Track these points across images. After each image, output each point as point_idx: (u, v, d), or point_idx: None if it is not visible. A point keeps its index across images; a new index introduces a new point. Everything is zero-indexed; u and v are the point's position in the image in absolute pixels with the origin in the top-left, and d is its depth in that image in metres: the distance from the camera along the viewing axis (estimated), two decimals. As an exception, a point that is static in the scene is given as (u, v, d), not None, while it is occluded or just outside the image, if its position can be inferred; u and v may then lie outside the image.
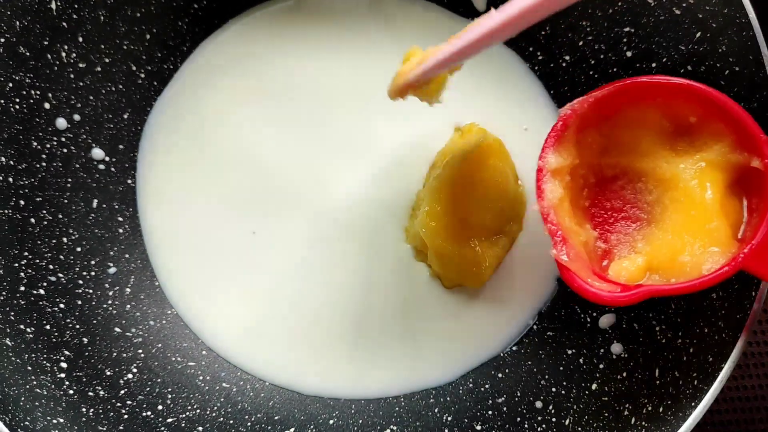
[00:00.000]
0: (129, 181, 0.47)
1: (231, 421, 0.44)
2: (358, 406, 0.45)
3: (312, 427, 0.44)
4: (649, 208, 0.35)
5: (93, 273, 0.45)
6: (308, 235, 0.47)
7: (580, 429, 0.41)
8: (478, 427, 0.44)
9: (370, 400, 0.45)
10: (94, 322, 0.44)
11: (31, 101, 0.43)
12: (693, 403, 0.37)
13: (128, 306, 0.45)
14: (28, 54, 0.42)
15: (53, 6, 0.43)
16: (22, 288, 0.41)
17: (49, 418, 0.38)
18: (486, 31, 0.30)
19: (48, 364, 0.40)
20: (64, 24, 0.44)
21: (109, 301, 0.45)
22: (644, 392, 0.40)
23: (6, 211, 0.42)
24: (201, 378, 0.45)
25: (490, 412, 0.44)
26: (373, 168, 0.48)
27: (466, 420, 0.44)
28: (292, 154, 0.48)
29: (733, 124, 0.32)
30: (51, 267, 0.43)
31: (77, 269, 0.44)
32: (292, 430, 0.44)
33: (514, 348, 0.46)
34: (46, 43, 0.43)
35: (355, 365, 0.46)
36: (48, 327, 0.42)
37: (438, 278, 0.47)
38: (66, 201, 0.45)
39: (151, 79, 0.48)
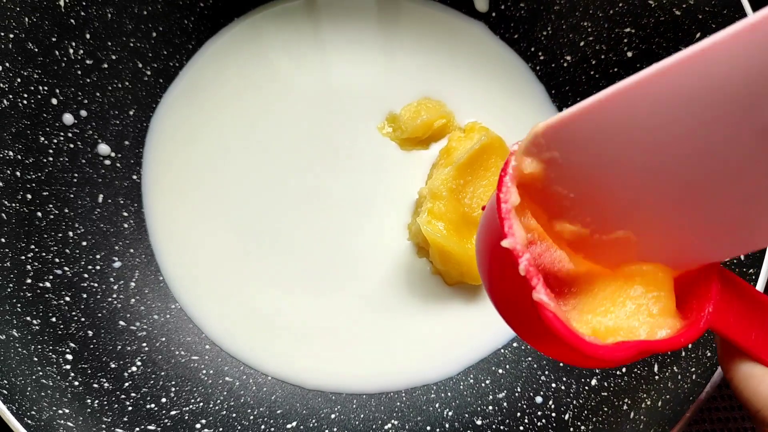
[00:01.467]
0: (134, 177, 0.48)
1: (234, 415, 0.44)
2: (360, 401, 0.46)
3: (314, 421, 0.45)
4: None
5: (98, 267, 0.45)
6: (312, 231, 0.48)
7: (579, 423, 0.42)
8: (479, 422, 0.44)
9: (372, 395, 0.46)
10: (99, 315, 0.44)
11: (39, 97, 0.44)
12: (691, 398, 0.37)
13: (133, 300, 0.46)
14: (36, 50, 0.43)
15: (62, 3, 0.43)
16: (29, 280, 0.42)
17: (54, 408, 0.38)
18: None
19: (54, 356, 0.41)
20: (72, 21, 0.44)
21: (114, 295, 0.45)
22: (643, 387, 0.40)
23: (13, 205, 0.42)
24: (204, 372, 0.45)
25: (490, 407, 0.45)
26: (376, 166, 0.49)
27: (466, 415, 0.44)
28: (296, 152, 0.49)
29: None
30: (57, 260, 0.44)
31: (83, 263, 0.45)
32: (294, 424, 0.44)
33: (514, 344, 0.47)
34: (54, 39, 0.44)
35: (357, 360, 0.46)
36: (54, 319, 0.42)
37: (440, 275, 0.47)
38: (72, 195, 0.45)
39: (157, 77, 0.49)
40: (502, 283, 0.26)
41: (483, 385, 0.46)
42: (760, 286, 0.38)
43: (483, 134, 0.47)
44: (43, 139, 0.44)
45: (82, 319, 0.43)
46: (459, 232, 0.45)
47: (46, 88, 0.44)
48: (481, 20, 0.51)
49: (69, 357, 0.41)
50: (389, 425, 0.45)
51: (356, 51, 0.50)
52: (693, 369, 0.38)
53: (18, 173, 0.43)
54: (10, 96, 0.42)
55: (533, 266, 0.24)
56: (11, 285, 0.41)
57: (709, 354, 0.38)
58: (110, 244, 0.46)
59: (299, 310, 0.47)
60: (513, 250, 0.24)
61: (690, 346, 0.40)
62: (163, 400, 0.43)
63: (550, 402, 0.43)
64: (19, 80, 0.42)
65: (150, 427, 0.41)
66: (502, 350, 0.47)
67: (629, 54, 0.46)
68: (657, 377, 0.40)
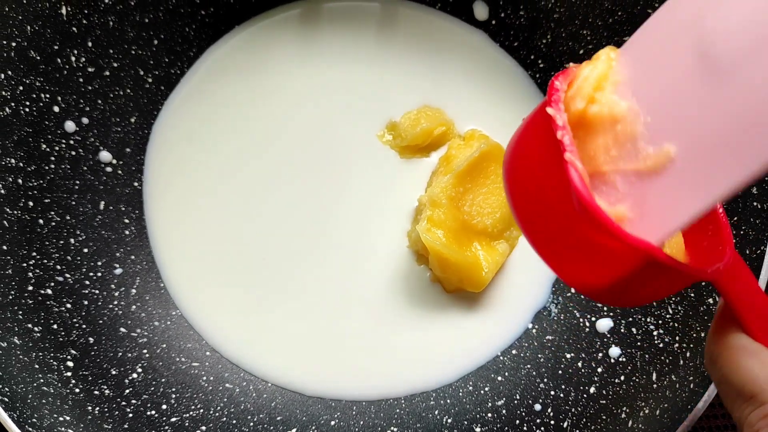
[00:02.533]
0: (135, 184, 0.48)
1: (234, 421, 0.44)
2: (360, 408, 0.46)
3: (314, 427, 0.45)
4: None
5: (99, 274, 0.45)
6: (312, 238, 0.48)
7: None
8: (478, 429, 0.44)
9: (372, 402, 0.46)
10: (100, 322, 0.44)
11: (41, 104, 0.44)
12: (689, 407, 0.38)
13: (134, 307, 0.46)
14: (38, 58, 0.43)
15: (64, 11, 0.44)
16: (30, 288, 0.42)
17: (55, 415, 0.38)
18: None
19: (55, 363, 0.41)
20: (74, 29, 0.44)
21: (115, 302, 0.45)
22: (642, 395, 0.41)
23: (15, 212, 0.42)
24: (205, 378, 0.45)
25: (489, 415, 0.45)
26: (376, 173, 0.49)
27: (465, 422, 0.45)
28: (296, 159, 0.49)
29: None
30: (58, 267, 0.44)
31: (84, 270, 0.45)
32: (294, 430, 0.45)
33: (513, 351, 0.47)
34: (56, 47, 0.44)
35: (356, 367, 0.46)
36: (55, 326, 0.42)
37: (439, 282, 0.48)
38: (74, 203, 0.45)
39: (159, 84, 0.49)
40: (532, 164, 0.26)
41: (482, 392, 0.46)
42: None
43: (483, 142, 0.47)
44: (44, 146, 0.44)
45: (83, 326, 0.43)
46: (458, 240, 0.45)
47: (48, 95, 0.44)
48: (481, 28, 0.51)
49: (70, 364, 0.41)
50: (389, 432, 0.45)
51: (356, 59, 0.51)
52: (691, 378, 0.39)
53: (20, 181, 0.43)
54: (12, 104, 0.42)
55: (570, 135, 0.24)
56: (13, 292, 0.41)
57: (707, 363, 0.38)
58: (111, 251, 0.46)
59: (299, 317, 0.47)
60: (553, 118, 0.24)
61: (688, 354, 0.40)
62: (164, 406, 0.43)
63: (549, 410, 0.44)
64: (21, 88, 0.43)
65: (150, 434, 0.42)
66: (501, 357, 0.47)
67: (628, 62, 0.46)
68: (655, 386, 0.40)
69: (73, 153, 0.46)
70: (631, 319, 0.44)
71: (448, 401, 0.46)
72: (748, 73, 0.19)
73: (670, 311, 0.42)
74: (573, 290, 0.47)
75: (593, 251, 0.25)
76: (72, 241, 0.45)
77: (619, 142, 0.23)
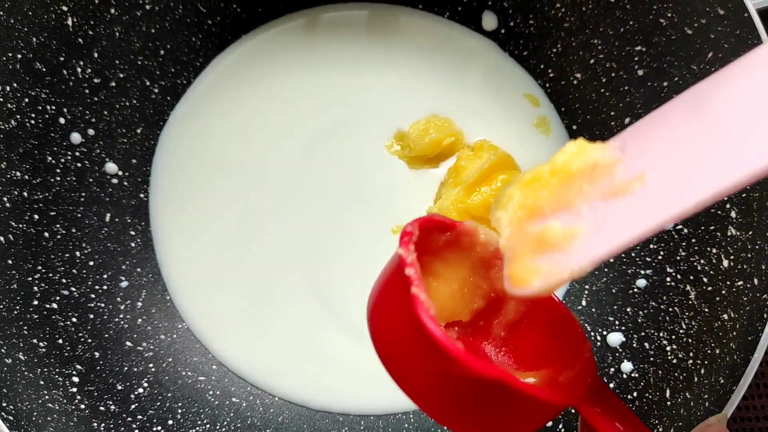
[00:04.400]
0: (141, 196, 0.48)
1: (241, 437, 0.44)
2: (368, 422, 0.45)
3: (321, 443, 0.44)
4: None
5: (105, 287, 0.45)
6: (319, 251, 0.47)
7: (590, 449, 0.41)
8: (488, 445, 0.44)
9: (380, 416, 0.45)
10: (106, 336, 0.44)
11: (47, 116, 0.43)
12: (704, 425, 0.37)
13: (139, 320, 0.46)
14: (44, 70, 0.43)
15: (69, 22, 0.43)
16: (36, 302, 0.42)
17: (61, 433, 0.38)
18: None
19: (60, 379, 0.40)
20: (80, 40, 0.44)
21: (121, 315, 0.45)
22: (655, 413, 0.40)
23: (20, 226, 0.42)
24: (211, 392, 0.45)
25: (499, 430, 0.44)
26: (384, 184, 0.49)
27: (475, 438, 0.44)
28: (303, 169, 0.49)
29: None
30: (64, 281, 0.43)
31: (90, 283, 0.44)
32: (302, 445, 0.44)
33: (523, 365, 0.46)
34: (62, 59, 0.43)
35: (364, 381, 0.46)
36: (60, 341, 0.42)
37: (448, 295, 0.47)
38: (79, 215, 0.45)
39: (165, 94, 0.48)
40: (391, 313, 0.29)
41: (492, 407, 0.45)
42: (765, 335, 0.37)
43: (492, 153, 0.46)
44: (50, 158, 0.44)
45: (89, 341, 0.43)
46: (468, 253, 0.44)
47: (53, 107, 0.44)
48: (490, 37, 0.50)
49: (75, 379, 0.41)
50: (397, 447, 0.44)
51: (364, 68, 0.50)
52: (706, 396, 0.38)
53: (25, 194, 0.42)
54: (18, 116, 0.42)
55: (416, 268, 0.26)
56: (18, 307, 0.41)
57: (722, 381, 0.38)
58: (117, 264, 0.46)
59: (306, 330, 0.47)
60: (403, 256, 0.27)
61: (703, 371, 0.39)
62: (170, 422, 0.43)
63: (560, 425, 0.43)
64: (26, 100, 0.42)
65: (156, 450, 0.41)
66: (511, 371, 0.46)
67: (640, 72, 0.45)
68: (669, 403, 0.40)
69: (79, 165, 0.45)
70: (643, 333, 0.43)
71: (458, 416, 0.45)
72: (724, 106, 0.20)
73: (684, 326, 0.41)
74: (584, 303, 0.46)
75: (443, 381, 0.26)
76: (78, 254, 0.44)
77: (594, 181, 0.23)
